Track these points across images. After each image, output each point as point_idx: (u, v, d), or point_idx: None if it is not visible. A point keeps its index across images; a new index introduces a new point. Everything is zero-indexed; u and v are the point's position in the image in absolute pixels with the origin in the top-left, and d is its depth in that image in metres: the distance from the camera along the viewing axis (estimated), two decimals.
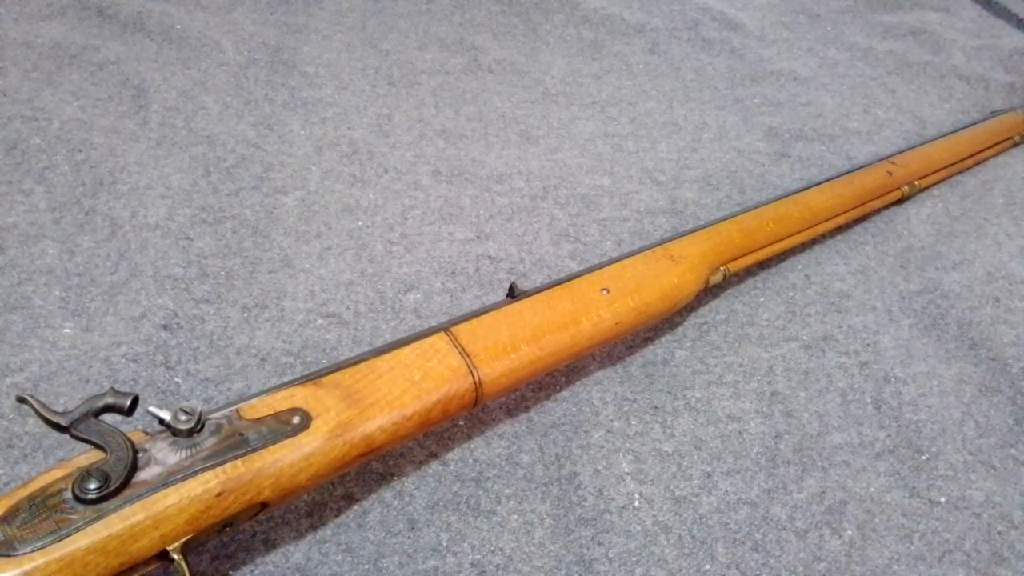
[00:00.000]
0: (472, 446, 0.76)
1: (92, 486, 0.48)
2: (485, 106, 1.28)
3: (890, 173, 1.11)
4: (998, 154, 1.36)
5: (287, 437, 0.56)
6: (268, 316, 0.85)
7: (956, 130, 1.30)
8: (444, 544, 0.68)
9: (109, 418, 0.52)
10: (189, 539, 0.52)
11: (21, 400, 0.51)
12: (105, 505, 0.49)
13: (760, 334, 0.94)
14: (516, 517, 0.71)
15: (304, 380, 0.60)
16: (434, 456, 0.75)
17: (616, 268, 0.79)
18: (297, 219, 0.99)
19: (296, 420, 0.57)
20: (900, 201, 1.16)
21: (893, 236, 1.13)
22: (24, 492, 0.49)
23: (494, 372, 0.66)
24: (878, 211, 1.15)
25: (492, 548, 0.68)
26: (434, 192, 1.07)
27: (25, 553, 0.46)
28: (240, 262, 0.91)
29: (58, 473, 0.50)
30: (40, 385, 0.74)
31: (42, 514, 0.48)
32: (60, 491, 0.49)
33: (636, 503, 0.74)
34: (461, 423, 0.78)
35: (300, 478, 0.56)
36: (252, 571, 0.64)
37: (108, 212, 0.94)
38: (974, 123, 1.35)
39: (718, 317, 0.95)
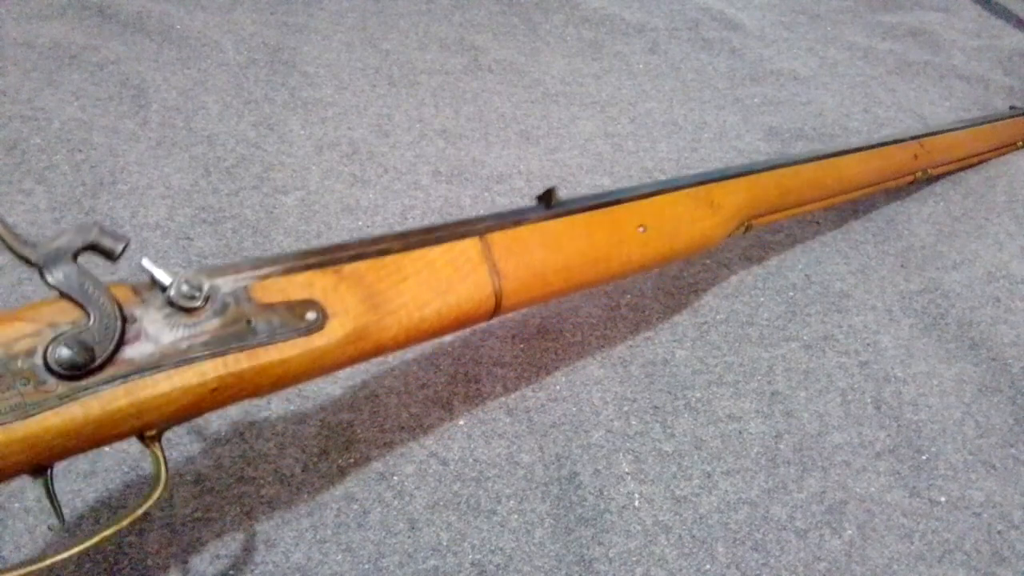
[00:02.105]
0: (472, 446, 0.76)
1: (70, 359, 0.41)
2: (485, 106, 1.28)
3: (916, 156, 1.08)
4: (1003, 154, 1.36)
5: (299, 335, 0.50)
6: None
7: (980, 122, 1.27)
8: (444, 544, 0.68)
9: (88, 262, 0.44)
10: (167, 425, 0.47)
11: None
12: (83, 383, 0.42)
13: (760, 334, 0.94)
14: (516, 517, 0.71)
15: (324, 264, 0.53)
16: (434, 456, 0.75)
17: (658, 204, 0.73)
18: (297, 219, 0.99)
19: (311, 316, 0.50)
20: (911, 183, 1.15)
21: (894, 235, 1.13)
22: None
23: (516, 298, 0.62)
24: (886, 194, 1.15)
25: (492, 548, 0.68)
26: (434, 192, 1.07)
27: None
28: None
29: (24, 327, 0.41)
30: None
31: (2, 382, 0.40)
32: (28, 353, 0.40)
33: (636, 503, 0.74)
34: (461, 422, 0.78)
35: (302, 378, 0.52)
36: (252, 571, 0.64)
37: (108, 212, 0.94)
38: (997, 118, 1.31)
39: (718, 317, 0.95)
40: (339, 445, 0.74)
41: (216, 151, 1.07)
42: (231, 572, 0.64)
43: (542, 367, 0.85)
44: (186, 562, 0.64)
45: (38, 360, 0.40)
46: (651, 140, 1.28)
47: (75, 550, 0.45)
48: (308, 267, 0.52)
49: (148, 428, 0.46)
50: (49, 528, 0.47)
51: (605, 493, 0.74)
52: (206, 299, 0.46)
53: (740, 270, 1.03)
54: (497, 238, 0.62)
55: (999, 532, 0.77)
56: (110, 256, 0.43)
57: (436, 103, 1.27)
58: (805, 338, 0.95)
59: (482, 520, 0.70)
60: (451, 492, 0.72)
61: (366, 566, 0.66)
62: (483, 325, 0.67)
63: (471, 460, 0.75)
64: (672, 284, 0.99)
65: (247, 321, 0.48)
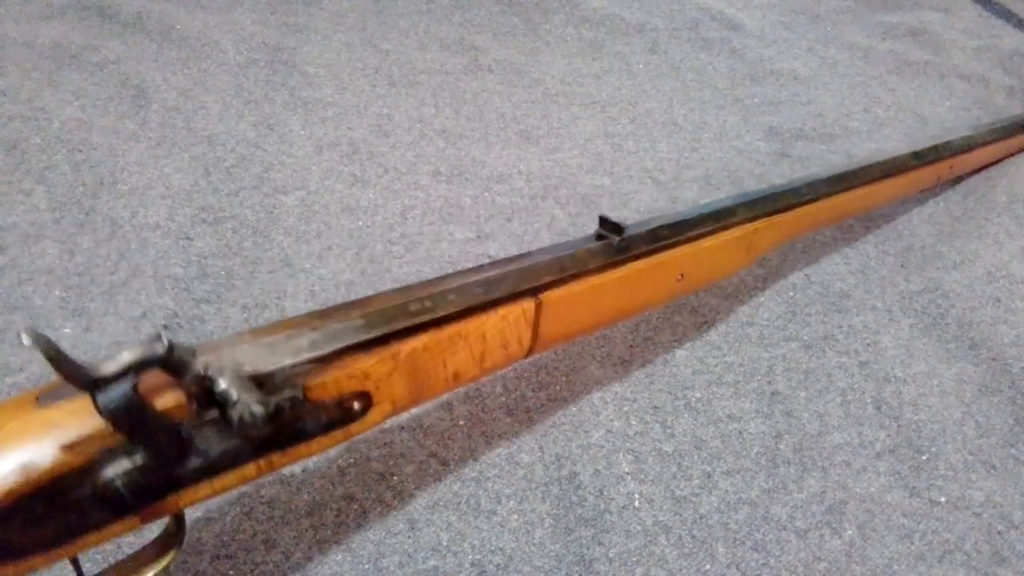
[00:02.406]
0: (472, 446, 0.76)
1: (122, 500, 0.40)
2: (485, 106, 1.28)
3: (939, 177, 1.07)
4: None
5: (340, 426, 0.49)
6: (268, 316, 0.85)
7: (1009, 132, 1.25)
8: (444, 544, 0.68)
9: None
10: None
11: (32, 336, 0.36)
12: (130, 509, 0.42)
13: (760, 334, 0.94)
14: (516, 517, 0.71)
15: (384, 340, 0.51)
16: (434, 456, 0.75)
17: (700, 252, 0.73)
18: (297, 219, 0.99)
19: (357, 407, 0.50)
20: (921, 192, 1.14)
21: (894, 236, 1.13)
22: (25, 486, 0.38)
23: (541, 351, 0.63)
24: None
25: (492, 548, 0.68)
26: (434, 192, 1.07)
27: (24, 557, 0.39)
28: (240, 262, 0.91)
29: (74, 459, 0.39)
30: (41, 385, 0.74)
31: (49, 513, 0.39)
32: (77, 485, 0.39)
33: (636, 503, 0.74)
34: (461, 422, 0.78)
35: (324, 452, 0.52)
36: (252, 571, 0.64)
37: (108, 212, 0.94)
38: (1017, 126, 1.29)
39: (718, 317, 0.95)
40: (339, 445, 0.74)
41: (216, 151, 1.07)
42: (231, 572, 0.64)
43: (542, 367, 0.85)
44: (186, 562, 0.64)
45: (88, 491, 0.39)
46: (651, 140, 1.28)
47: None
48: (368, 345, 0.50)
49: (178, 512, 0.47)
50: None
51: (605, 493, 0.74)
52: (267, 419, 0.44)
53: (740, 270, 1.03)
54: (551, 299, 0.61)
55: (999, 532, 0.77)
56: (179, 374, 0.40)
57: (436, 103, 1.27)
58: (805, 338, 0.95)
59: (482, 520, 0.70)
60: (451, 492, 0.72)
61: (366, 566, 0.66)
62: None
63: (471, 460, 0.75)
64: None
65: (297, 421, 0.47)
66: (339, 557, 0.66)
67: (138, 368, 0.39)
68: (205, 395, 0.42)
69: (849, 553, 0.73)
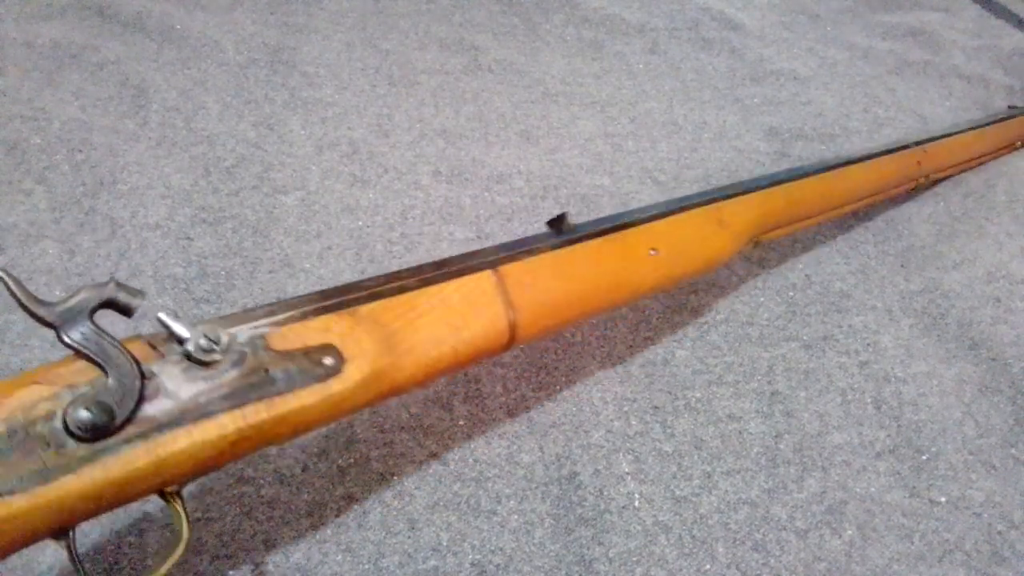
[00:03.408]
0: (472, 446, 0.76)
1: (90, 421, 0.41)
2: (485, 106, 1.28)
3: (919, 163, 1.08)
4: (1004, 154, 1.36)
5: (317, 381, 0.49)
6: None
7: (981, 125, 1.26)
8: (444, 544, 0.68)
9: (103, 317, 0.44)
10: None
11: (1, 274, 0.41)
12: (103, 444, 0.42)
13: (760, 334, 0.94)
14: (516, 517, 0.71)
15: (340, 306, 0.53)
16: (434, 456, 0.75)
17: (668, 225, 0.73)
18: (297, 219, 0.99)
19: (328, 361, 0.50)
20: (913, 190, 1.15)
21: (894, 235, 1.13)
22: None
23: (530, 329, 0.63)
24: (888, 201, 1.15)
25: (492, 548, 0.68)
26: (434, 192, 1.07)
27: (2, 497, 0.39)
28: (240, 262, 0.91)
29: (42, 390, 0.41)
30: None
31: (23, 447, 0.40)
32: (48, 417, 0.40)
33: (636, 503, 0.74)
34: (461, 422, 0.78)
35: (321, 423, 0.52)
36: (252, 571, 0.64)
37: (108, 212, 0.94)
38: (997, 119, 1.30)
39: (718, 317, 0.95)
40: (339, 445, 0.74)
41: (216, 151, 1.07)
42: (231, 572, 0.64)
43: (542, 367, 0.85)
44: (186, 562, 0.64)
45: (58, 423, 0.41)
46: (651, 140, 1.28)
47: None
48: (325, 310, 0.52)
49: (168, 484, 0.46)
50: None
51: (605, 493, 0.74)
52: (224, 351, 0.46)
53: (740, 270, 1.03)
54: (510, 270, 0.62)
55: (999, 532, 0.77)
56: (127, 313, 0.44)
57: (436, 103, 1.27)
58: (805, 338, 0.95)
59: (482, 520, 0.70)
60: (451, 492, 0.72)
61: (366, 566, 0.66)
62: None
63: (471, 460, 0.75)
64: None
65: (265, 370, 0.48)
66: (339, 557, 0.66)
67: (93, 304, 0.43)
68: (165, 344, 0.46)
69: (849, 553, 0.73)
